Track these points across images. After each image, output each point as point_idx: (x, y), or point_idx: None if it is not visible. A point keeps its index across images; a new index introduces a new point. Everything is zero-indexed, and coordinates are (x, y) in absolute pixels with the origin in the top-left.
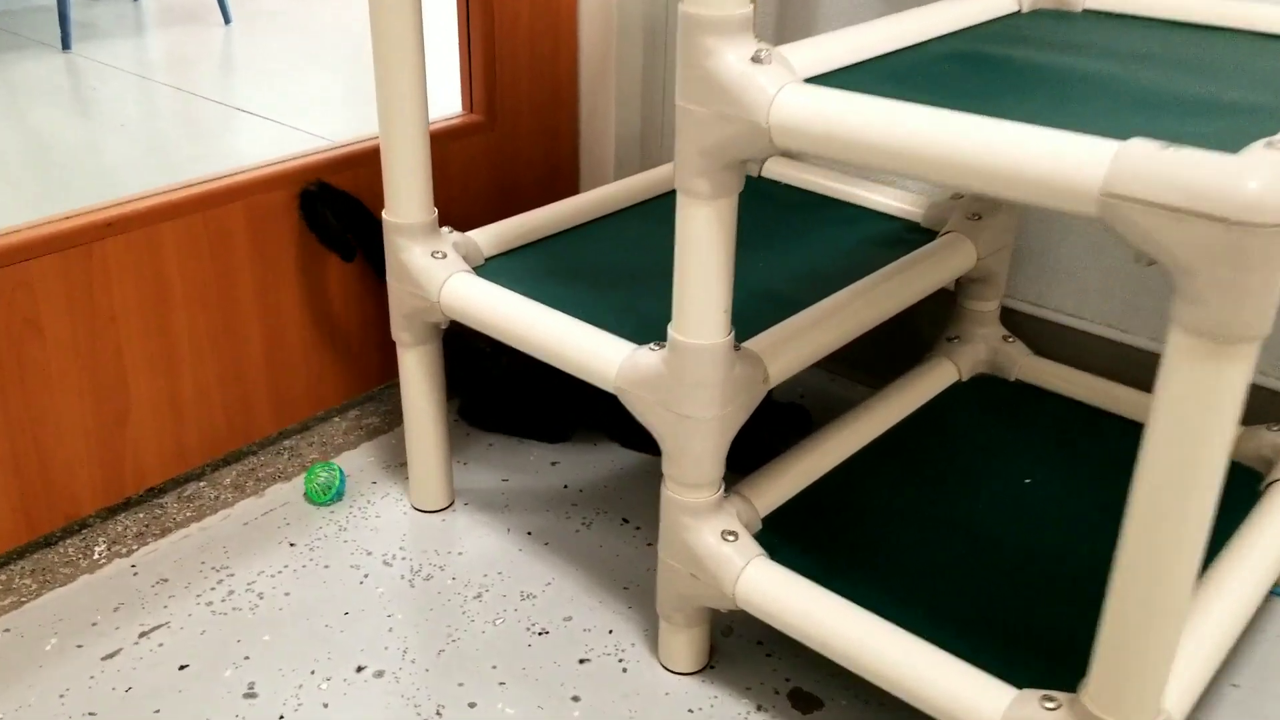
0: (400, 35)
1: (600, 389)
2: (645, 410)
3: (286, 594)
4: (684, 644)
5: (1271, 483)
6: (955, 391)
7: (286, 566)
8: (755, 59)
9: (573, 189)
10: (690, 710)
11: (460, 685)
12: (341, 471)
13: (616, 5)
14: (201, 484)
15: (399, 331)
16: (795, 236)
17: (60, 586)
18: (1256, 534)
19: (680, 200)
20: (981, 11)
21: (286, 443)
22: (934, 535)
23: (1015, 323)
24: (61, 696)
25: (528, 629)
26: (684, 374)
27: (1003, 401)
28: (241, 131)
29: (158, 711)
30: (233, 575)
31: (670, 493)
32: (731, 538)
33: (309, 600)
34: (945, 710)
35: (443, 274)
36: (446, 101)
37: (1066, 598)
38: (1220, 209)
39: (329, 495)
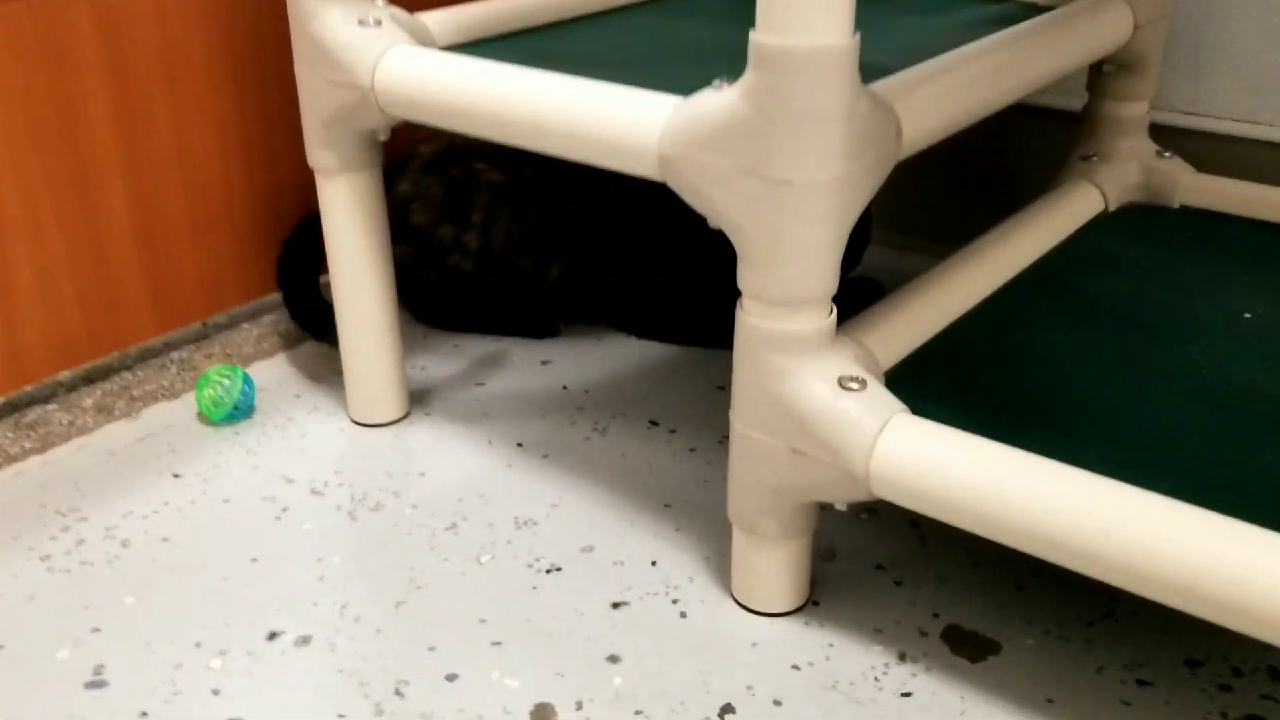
0: None
1: (600, 268)
2: (711, 186)
3: (164, 540)
4: (775, 568)
5: None
6: (1104, 224)
7: (167, 504)
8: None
9: None
10: (796, 666)
11: (431, 650)
12: (246, 376)
13: None
14: (50, 407)
15: (316, 151)
16: (914, 15)
17: None
18: None
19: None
20: None
21: (175, 354)
22: (1148, 387)
23: (1163, 141)
24: None
25: (530, 566)
26: (782, 105)
27: (1174, 230)
28: None
29: None
30: (84, 520)
31: (753, 319)
32: (856, 386)
33: (198, 546)
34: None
35: (378, 46)
36: None
37: None
38: None
39: (228, 408)
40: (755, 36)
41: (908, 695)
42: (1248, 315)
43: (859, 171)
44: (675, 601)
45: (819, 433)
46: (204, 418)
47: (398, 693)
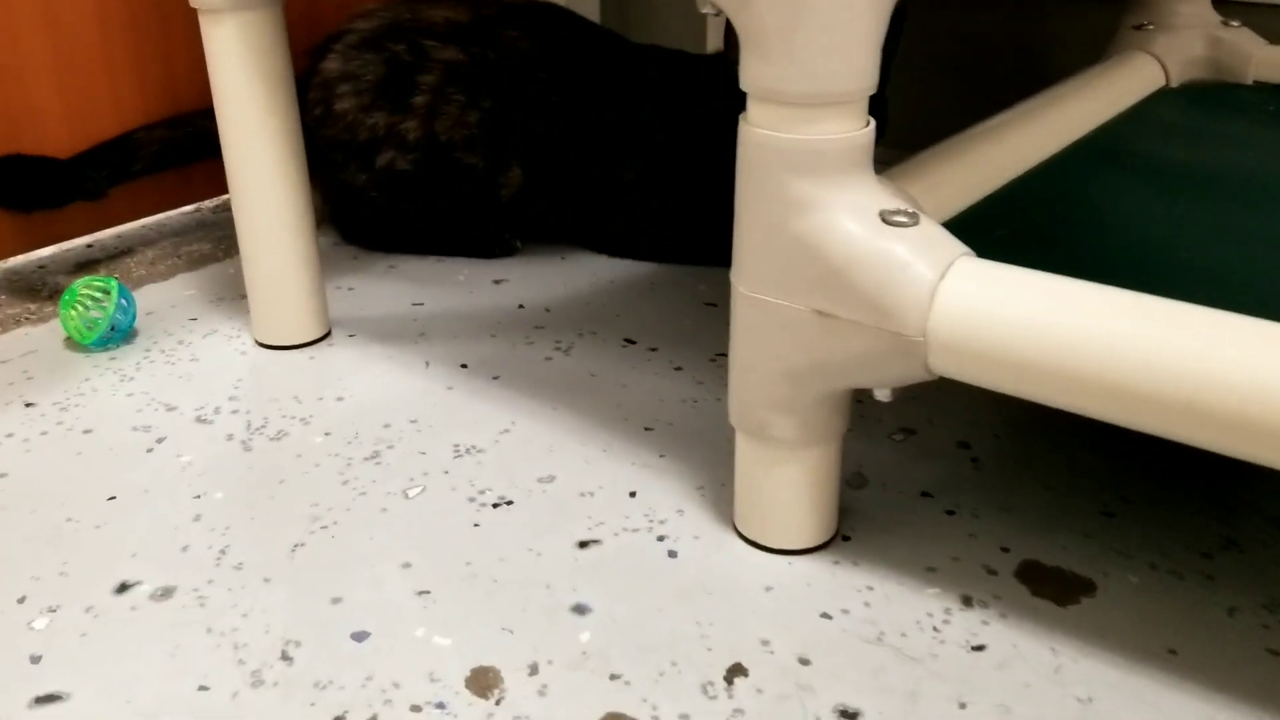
0: None
1: (569, 172)
2: None
3: (1, 476)
4: (793, 488)
5: None
6: (1169, 97)
7: (10, 435)
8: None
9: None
10: (826, 615)
11: (335, 603)
12: (123, 288)
13: None
14: None
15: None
16: None
17: None
18: None
19: None
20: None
21: (50, 279)
22: (1236, 250)
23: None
24: None
25: (472, 501)
26: None
27: (1251, 105)
28: None
29: None
30: None
31: (761, 130)
32: (905, 220)
33: (41, 484)
34: None
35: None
36: None
37: None
38: None
39: (102, 329)
40: None
41: (980, 649)
42: None
43: None
44: (661, 539)
45: (856, 284)
46: (74, 343)
47: (285, 656)
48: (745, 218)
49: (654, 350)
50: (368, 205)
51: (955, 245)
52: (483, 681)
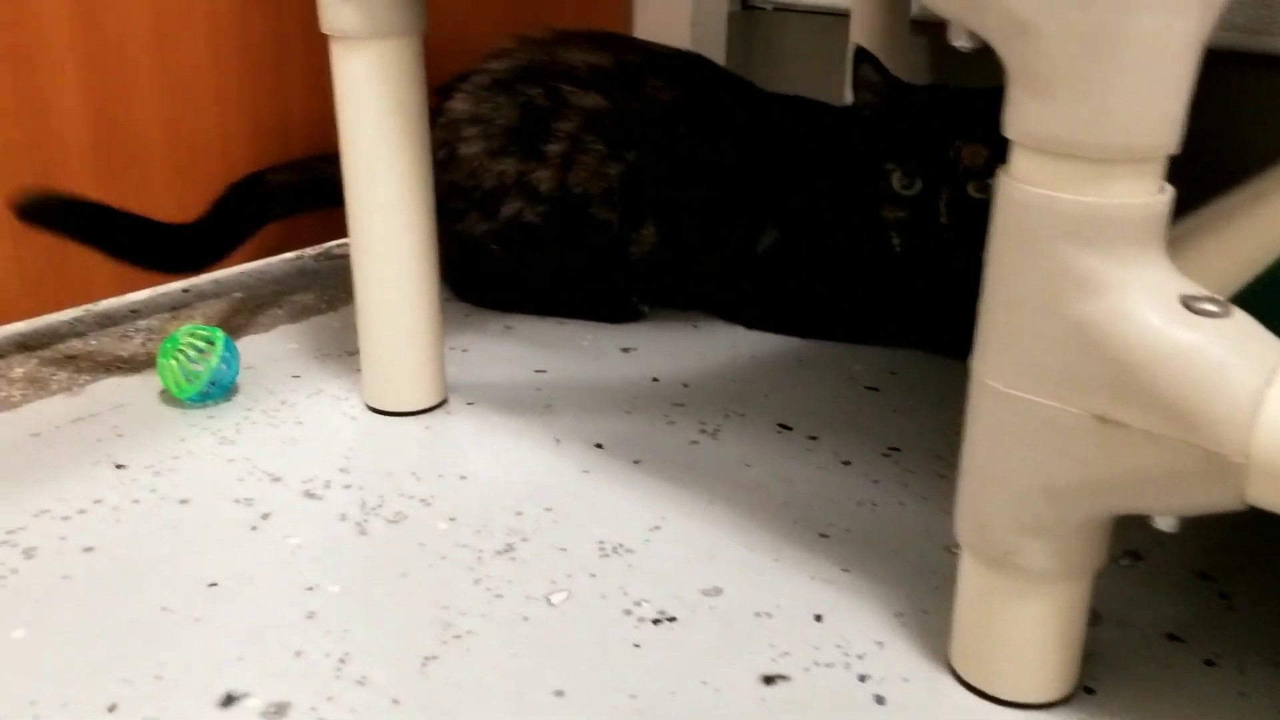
0: None
1: (710, 235)
2: None
3: (86, 550)
4: (1036, 629)
5: None
6: None
7: (99, 502)
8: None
9: None
10: None
11: None
12: (228, 341)
13: None
14: None
15: (334, 4)
16: None
17: None
18: None
19: None
20: None
21: (143, 323)
22: None
23: None
24: None
25: (627, 613)
26: None
27: None
28: None
29: None
30: None
31: (1034, 188)
32: (1214, 310)
33: (133, 563)
34: None
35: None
36: None
37: None
38: None
39: (202, 383)
40: None
41: None
42: None
43: None
44: (863, 679)
45: (1154, 387)
46: (169, 395)
47: None
48: (1004, 295)
49: (814, 439)
50: (486, 259)
51: (1276, 343)
52: None
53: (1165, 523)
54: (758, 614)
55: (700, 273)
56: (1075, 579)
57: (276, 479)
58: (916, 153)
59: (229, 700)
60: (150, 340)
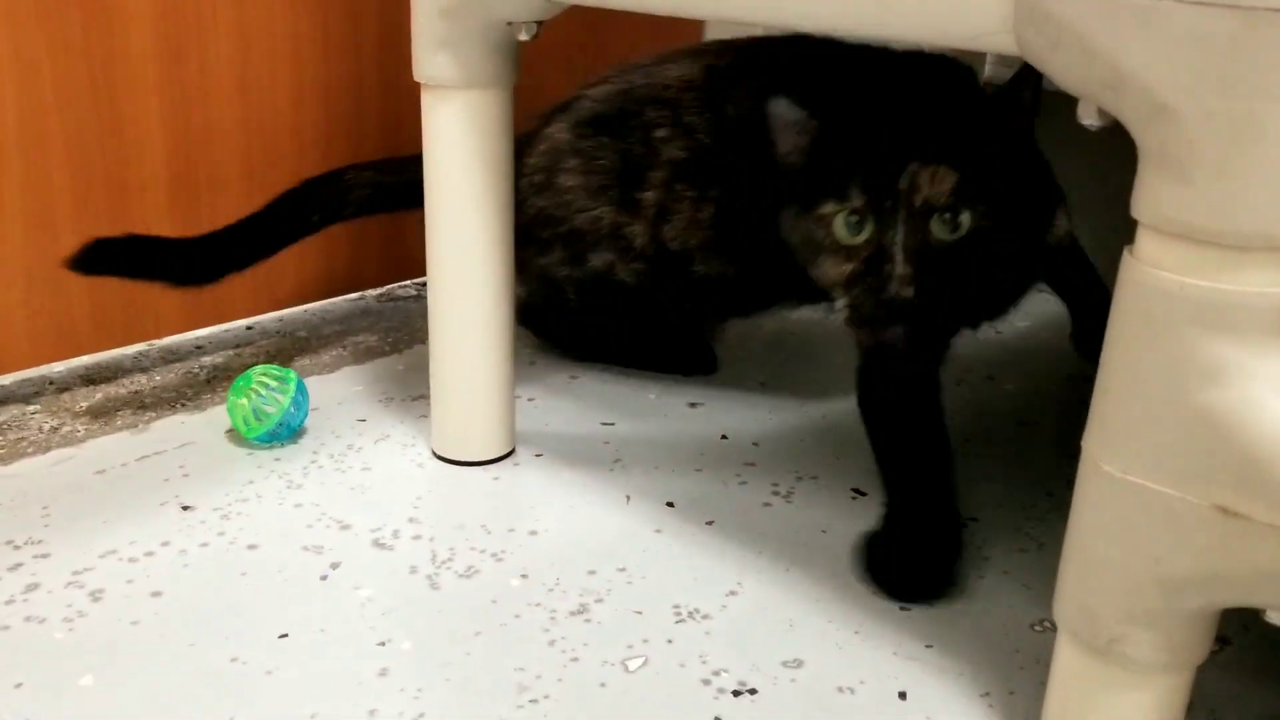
0: None
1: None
2: (1114, 32)
3: (153, 595)
4: None
5: None
6: None
7: (166, 545)
8: None
9: None
10: None
11: None
12: (301, 383)
13: None
14: (30, 409)
15: (429, 53)
16: None
17: None
18: None
19: None
20: None
21: (207, 359)
22: None
23: None
24: None
25: (706, 683)
26: None
27: None
28: None
29: None
30: (45, 558)
31: (1164, 273)
32: None
33: (201, 610)
34: None
35: None
36: None
37: None
38: None
39: (272, 423)
40: None
41: None
42: None
43: None
44: None
45: None
46: (236, 435)
47: None
48: (1125, 378)
49: None
50: (564, 305)
51: None
52: None
53: (1275, 616)
54: (840, 689)
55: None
56: (1179, 671)
57: (345, 526)
58: (863, 184)
59: None
60: (214, 377)
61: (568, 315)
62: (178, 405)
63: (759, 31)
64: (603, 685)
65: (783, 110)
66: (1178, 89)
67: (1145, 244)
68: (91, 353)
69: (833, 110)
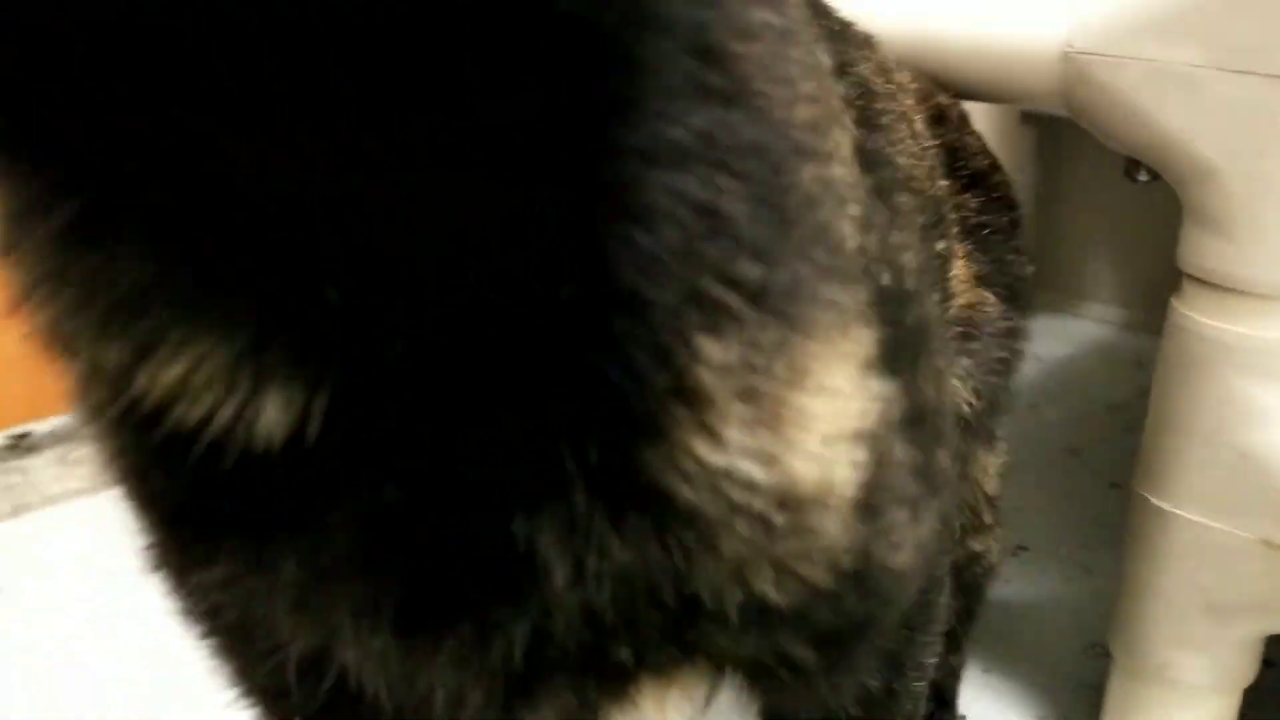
0: None
1: None
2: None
3: None
4: None
5: None
6: None
7: None
8: None
9: None
10: None
11: None
12: None
13: None
14: None
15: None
16: None
17: None
18: None
19: None
20: None
21: None
22: None
23: None
24: None
25: None
26: None
27: None
28: None
29: None
30: None
31: (1208, 320)
32: None
33: None
34: None
35: None
36: None
37: None
38: None
39: None
40: None
41: None
42: None
43: None
44: None
45: None
46: None
47: None
48: (1173, 420)
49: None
50: None
51: None
52: None
53: None
54: None
55: None
56: (1227, 693)
57: None
58: None
59: None
60: None
61: None
62: None
63: None
64: None
65: None
66: (1220, 152)
67: (1189, 293)
68: None
69: None
